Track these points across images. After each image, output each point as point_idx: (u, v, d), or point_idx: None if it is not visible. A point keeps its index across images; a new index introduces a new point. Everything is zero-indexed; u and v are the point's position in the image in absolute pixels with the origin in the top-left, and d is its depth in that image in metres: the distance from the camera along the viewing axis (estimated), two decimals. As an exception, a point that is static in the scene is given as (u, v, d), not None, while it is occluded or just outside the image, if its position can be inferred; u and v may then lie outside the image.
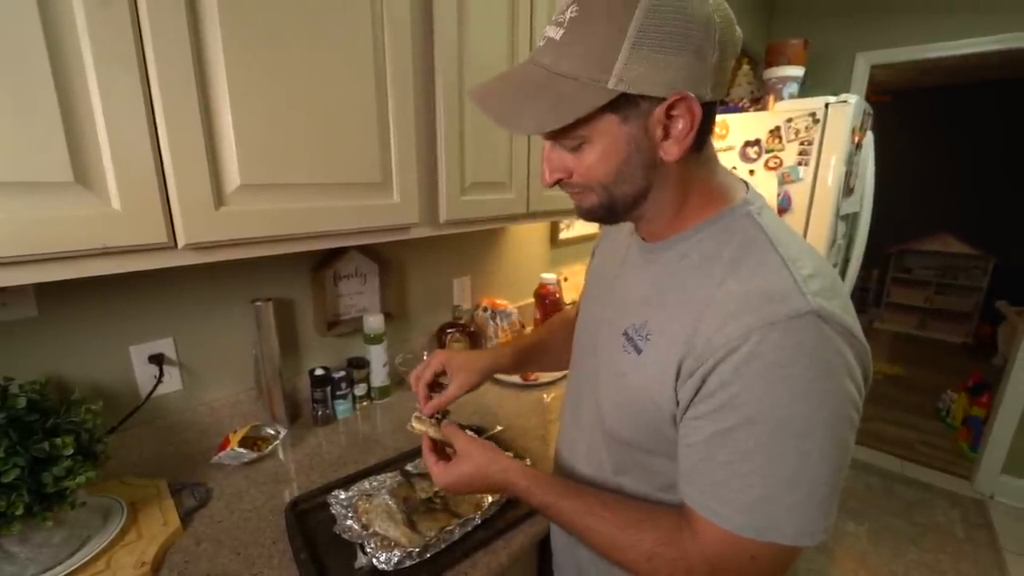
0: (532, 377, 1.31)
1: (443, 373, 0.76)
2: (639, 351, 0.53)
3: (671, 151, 0.47)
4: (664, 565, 0.49)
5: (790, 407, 0.42)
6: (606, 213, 0.53)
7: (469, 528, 0.72)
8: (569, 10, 0.45)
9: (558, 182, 0.53)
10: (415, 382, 0.75)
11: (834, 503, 0.45)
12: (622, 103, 0.45)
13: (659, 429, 0.52)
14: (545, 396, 1.24)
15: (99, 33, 0.51)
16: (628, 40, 0.42)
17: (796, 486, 0.43)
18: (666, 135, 0.46)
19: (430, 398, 0.73)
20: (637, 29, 0.41)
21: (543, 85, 0.46)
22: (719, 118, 1.83)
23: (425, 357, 1.32)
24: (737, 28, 0.47)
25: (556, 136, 0.49)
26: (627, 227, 0.64)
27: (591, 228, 2.07)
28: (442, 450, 0.68)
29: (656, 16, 0.41)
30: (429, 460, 0.65)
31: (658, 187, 0.51)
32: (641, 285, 0.57)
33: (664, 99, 0.44)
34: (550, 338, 0.88)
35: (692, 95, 0.44)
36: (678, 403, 0.49)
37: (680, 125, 0.45)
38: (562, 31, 0.45)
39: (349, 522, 0.72)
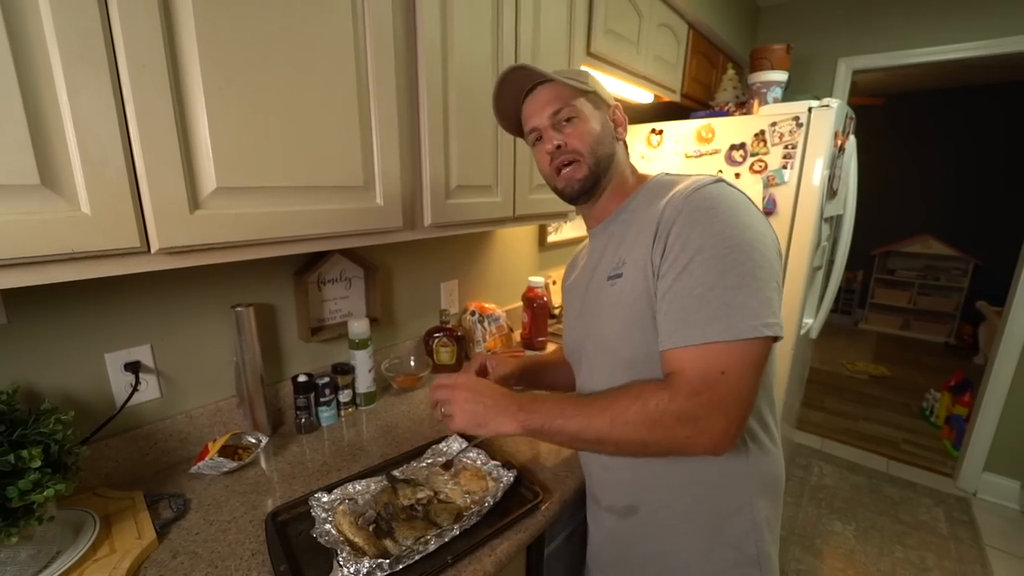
0: (520, 381, 1.30)
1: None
2: (621, 276, 0.66)
3: (622, 134, 0.75)
4: (652, 395, 0.56)
5: (727, 230, 0.56)
6: (592, 181, 0.71)
7: (446, 539, 0.70)
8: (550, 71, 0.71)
9: (558, 148, 0.70)
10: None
11: (777, 306, 0.56)
12: (594, 99, 0.72)
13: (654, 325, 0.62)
14: (533, 400, 1.24)
15: (67, 31, 0.50)
16: (589, 78, 0.73)
17: (742, 288, 0.54)
18: (616, 125, 0.74)
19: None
20: (589, 80, 0.73)
21: (556, 79, 0.70)
22: (706, 122, 1.85)
23: (412, 363, 1.32)
24: None
25: (557, 109, 0.70)
26: (583, 252, 0.84)
27: (579, 231, 2.07)
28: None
29: (592, 76, 0.74)
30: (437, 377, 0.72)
31: (617, 159, 0.74)
32: (608, 248, 0.72)
33: (610, 105, 0.74)
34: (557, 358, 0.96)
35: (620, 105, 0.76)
36: (654, 273, 0.61)
37: (620, 119, 0.75)
38: (553, 73, 0.71)
39: (327, 526, 0.70)
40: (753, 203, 0.62)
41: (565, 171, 0.71)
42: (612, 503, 0.75)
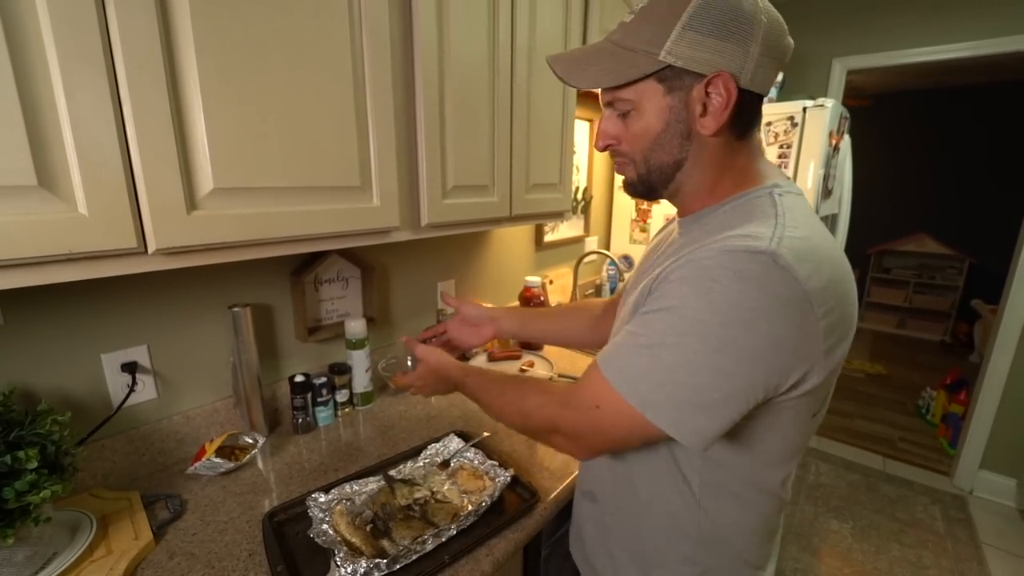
0: (517, 381, 1.31)
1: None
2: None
3: (708, 125, 0.52)
4: (534, 399, 0.61)
5: (700, 312, 0.46)
6: (644, 188, 0.60)
7: (443, 539, 0.70)
8: (642, 1, 0.53)
9: (608, 147, 0.60)
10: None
11: (713, 418, 0.47)
12: (668, 75, 0.52)
13: None
14: (530, 400, 1.24)
15: (63, 29, 0.50)
16: (680, 23, 0.49)
17: (667, 369, 0.47)
18: (704, 111, 0.52)
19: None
20: (689, 15, 0.49)
21: (608, 54, 0.54)
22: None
23: (409, 363, 1.31)
24: (788, 39, 0.54)
25: (610, 100, 0.56)
26: (674, 226, 0.70)
27: (576, 231, 2.08)
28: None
29: (707, 6, 0.48)
30: (397, 375, 0.88)
31: (693, 161, 0.56)
32: (670, 250, 0.62)
33: (704, 76, 0.50)
34: (562, 310, 1.02)
35: (729, 75, 0.50)
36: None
37: (716, 101, 0.51)
38: (633, 16, 0.53)
39: (325, 527, 0.70)
40: (803, 296, 0.45)
41: (619, 168, 0.61)
42: (587, 488, 0.74)
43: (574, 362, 1.47)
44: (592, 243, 2.20)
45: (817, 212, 1.75)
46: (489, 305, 1.02)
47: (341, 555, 0.64)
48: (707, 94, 0.51)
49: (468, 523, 0.73)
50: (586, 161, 2.05)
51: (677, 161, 0.56)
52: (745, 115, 0.54)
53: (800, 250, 0.46)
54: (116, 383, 0.86)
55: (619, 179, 2.20)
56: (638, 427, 0.50)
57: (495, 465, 0.87)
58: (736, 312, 0.45)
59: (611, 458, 0.67)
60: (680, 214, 0.64)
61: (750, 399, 0.48)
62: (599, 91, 0.57)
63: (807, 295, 0.45)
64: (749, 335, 0.45)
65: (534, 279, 1.60)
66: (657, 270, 0.55)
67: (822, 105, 1.66)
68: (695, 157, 0.55)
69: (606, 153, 0.65)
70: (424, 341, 0.99)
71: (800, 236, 0.47)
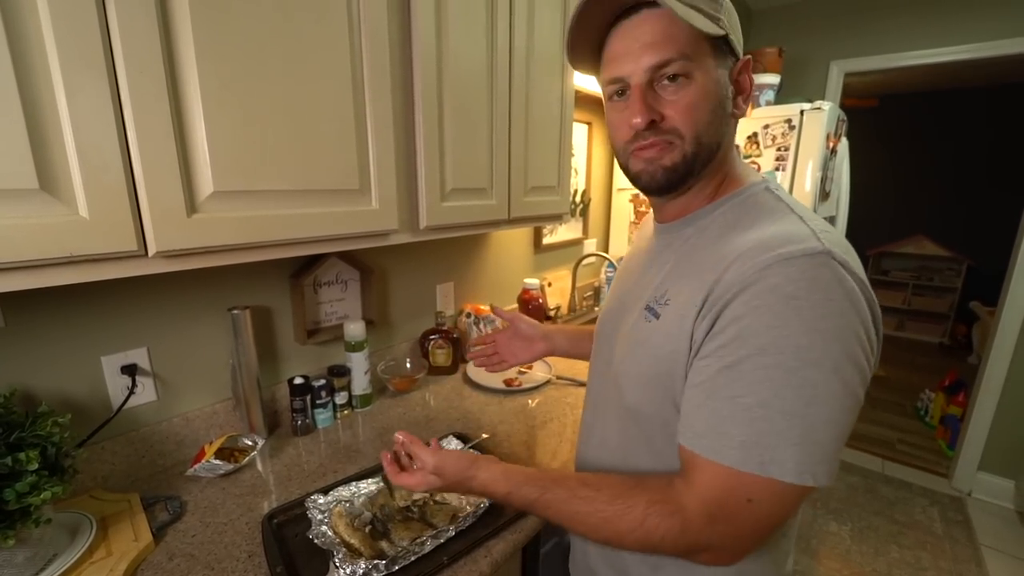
0: (516, 383, 1.31)
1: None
2: (658, 316, 0.54)
3: (741, 107, 0.53)
4: (660, 523, 0.47)
5: (801, 337, 0.42)
6: (686, 170, 0.52)
7: (442, 540, 0.70)
8: None
9: (651, 126, 0.51)
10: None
11: (837, 449, 0.44)
12: (720, 47, 0.50)
13: (678, 391, 0.51)
14: (529, 401, 1.24)
15: (66, 35, 0.50)
16: (722, 5, 0.50)
17: (801, 419, 0.42)
18: (737, 92, 0.53)
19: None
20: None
21: (669, 10, 0.46)
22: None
23: (408, 365, 1.32)
24: None
25: (664, 60, 0.48)
26: (648, 229, 0.68)
27: (575, 233, 2.08)
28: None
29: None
30: (390, 471, 0.66)
31: (724, 146, 0.54)
32: (663, 263, 0.58)
33: (738, 59, 0.52)
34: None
35: (750, 62, 0.52)
36: (691, 347, 0.48)
37: (747, 80, 0.53)
38: None
39: (324, 528, 0.70)
40: (862, 287, 0.44)
41: (647, 152, 0.52)
42: None
43: (572, 363, 1.47)
44: (591, 245, 2.21)
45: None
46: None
47: (340, 556, 0.64)
48: (736, 79, 0.52)
49: (467, 524, 0.73)
50: (584, 164, 2.06)
51: (719, 142, 0.52)
52: None
53: (837, 243, 0.45)
54: (116, 385, 0.87)
55: (618, 181, 2.20)
56: (797, 498, 0.45)
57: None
58: (832, 323, 0.42)
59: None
60: (666, 218, 0.60)
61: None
62: (629, 62, 0.50)
63: (864, 285, 0.45)
64: (846, 344, 0.42)
65: (533, 281, 1.61)
66: (678, 306, 0.51)
67: (819, 108, 1.67)
68: (725, 142, 0.53)
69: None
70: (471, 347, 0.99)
71: (827, 229, 0.48)
